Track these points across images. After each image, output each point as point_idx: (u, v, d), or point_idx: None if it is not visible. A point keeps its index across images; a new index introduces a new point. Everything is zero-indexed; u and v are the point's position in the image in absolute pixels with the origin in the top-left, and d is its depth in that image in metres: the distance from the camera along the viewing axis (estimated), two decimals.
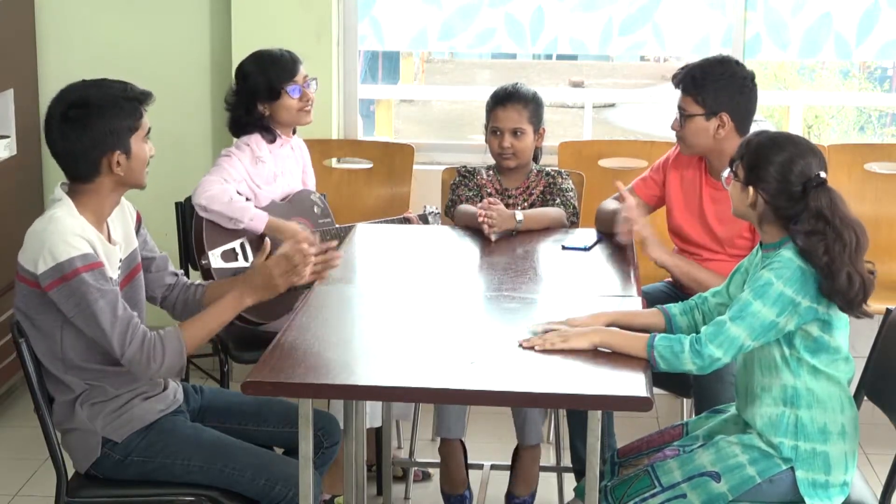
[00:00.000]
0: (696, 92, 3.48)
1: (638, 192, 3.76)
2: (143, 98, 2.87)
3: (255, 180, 3.79)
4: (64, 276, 2.71)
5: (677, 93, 3.56)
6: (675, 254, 3.57)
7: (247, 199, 3.74)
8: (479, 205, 3.66)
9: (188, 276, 3.80)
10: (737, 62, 3.57)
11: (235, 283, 3.02)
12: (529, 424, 3.57)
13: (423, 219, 4.05)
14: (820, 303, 2.69)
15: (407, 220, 4.03)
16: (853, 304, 2.69)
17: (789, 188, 2.73)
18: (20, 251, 2.80)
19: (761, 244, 2.85)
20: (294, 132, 3.98)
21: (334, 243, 3.13)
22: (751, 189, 2.77)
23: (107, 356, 2.82)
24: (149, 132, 2.89)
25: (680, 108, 3.53)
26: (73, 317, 2.75)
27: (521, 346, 2.74)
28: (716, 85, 3.47)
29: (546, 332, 2.78)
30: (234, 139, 3.92)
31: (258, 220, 3.71)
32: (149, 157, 2.89)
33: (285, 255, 2.93)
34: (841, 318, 2.75)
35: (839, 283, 2.65)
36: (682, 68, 3.56)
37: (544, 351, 2.71)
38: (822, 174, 2.73)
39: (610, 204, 3.71)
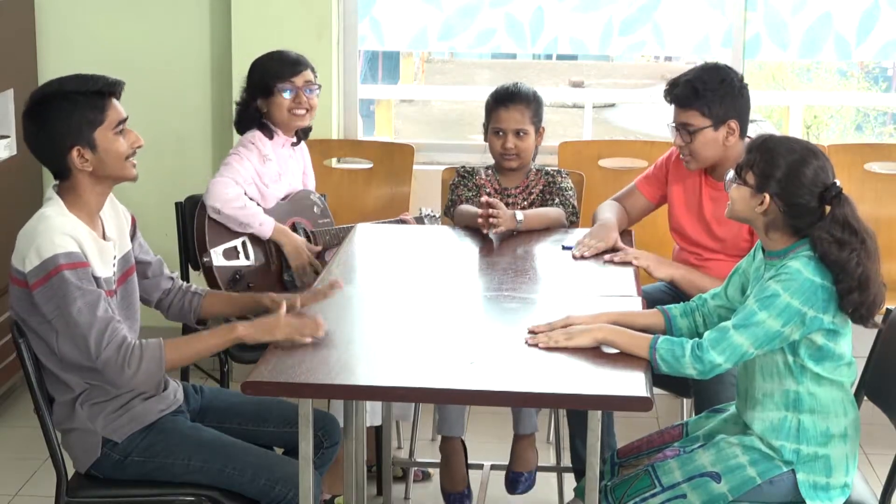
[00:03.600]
0: (700, 104, 3.41)
1: (641, 190, 3.77)
2: (107, 89, 2.80)
3: (263, 179, 3.81)
4: (48, 274, 2.69)
5: (671, 110, 3.48)
6: (679, 265, 3.56)
7: (256, 203, 3.77)
8: (482, 209, 3.64)
9: (188, 277, 3.83)
10: (726, 66, 3.55)
11: (234, 307, 3.00)
12: (524, 415, 3.59)
13: (420, 221, 4.04)
14: (826, 313, 2.67)
15: (403, 223, 4.02)
16: (872, 315, 2.68)
17: (807, 196, 2.68)
18: (13, 254, 2.78)
19: (763, 250, 2.82)
20: (298, 138, 3.98)
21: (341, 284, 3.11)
22: (766, 196, 2.71)
23: None
24: (121, 122, 2.80)
25: (683, 124, 3.45)
26: (52, 319, 2.72)
27: (526, 343, 2.74)
28: (718, 93, 3.42)
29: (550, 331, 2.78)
30: (239, 137, 3.93)
31: (266, 226, 3.76)
32: (130, 147, 2.82)
33: (302, 321, 2.79)
34: (846, 326, 2.73)
35: (870, 294, 2.63)
36: (673, 84, 3.47)
37: (548, 348, 2.71)
38: (838, 181, 2.70)
39: (604, 212, 3.70)
